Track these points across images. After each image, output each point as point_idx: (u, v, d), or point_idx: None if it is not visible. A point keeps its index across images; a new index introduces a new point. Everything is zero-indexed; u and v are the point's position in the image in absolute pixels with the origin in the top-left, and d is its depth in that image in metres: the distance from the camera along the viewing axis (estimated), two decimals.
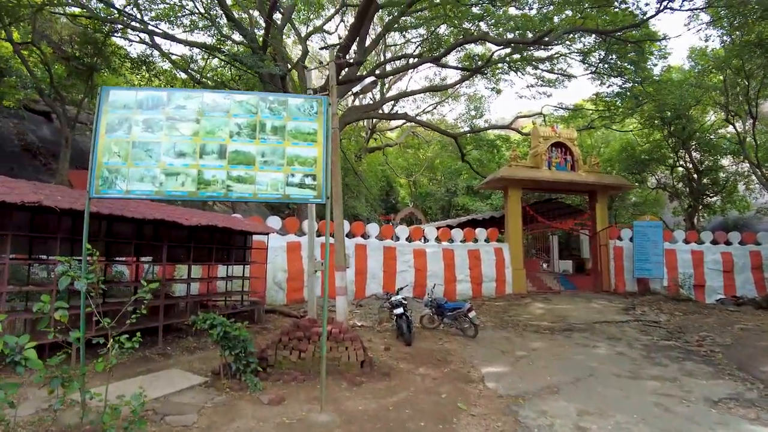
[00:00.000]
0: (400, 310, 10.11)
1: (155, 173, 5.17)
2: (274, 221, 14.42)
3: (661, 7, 16.20)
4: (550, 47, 19.37)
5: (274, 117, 5.48)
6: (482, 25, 19.78)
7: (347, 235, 15.61)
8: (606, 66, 20.28)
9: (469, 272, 17.54)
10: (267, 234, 11.37)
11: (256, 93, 6.21)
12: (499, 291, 17.98)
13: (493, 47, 21.90)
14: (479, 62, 23.72)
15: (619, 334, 11.56)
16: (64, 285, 3.73)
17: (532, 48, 20.12)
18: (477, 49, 24.35)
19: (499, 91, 28.31)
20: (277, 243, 13.83)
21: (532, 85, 25.64)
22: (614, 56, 19.61)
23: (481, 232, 18.59)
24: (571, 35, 18.49)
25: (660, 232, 19.17)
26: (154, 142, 5.24)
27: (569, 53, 22.51)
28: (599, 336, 11.26)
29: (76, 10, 17.69)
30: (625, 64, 19.62)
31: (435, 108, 35.39)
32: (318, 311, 12.35)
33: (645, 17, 16.62)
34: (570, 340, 10.83)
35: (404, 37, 26.69)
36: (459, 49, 22.21)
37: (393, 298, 10.79)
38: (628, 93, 21.45)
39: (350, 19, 26.69)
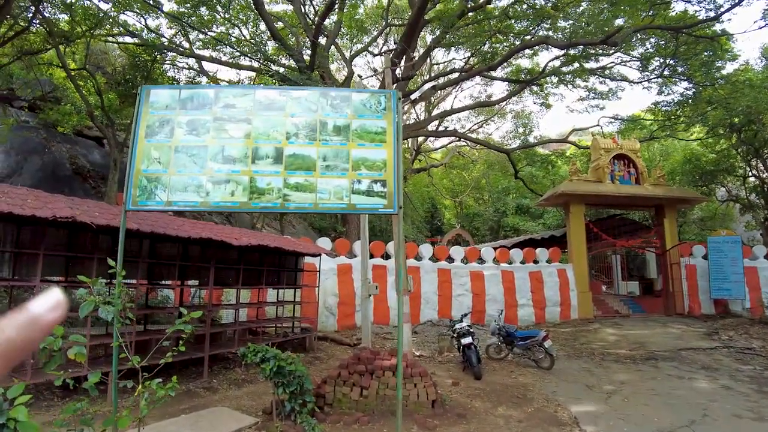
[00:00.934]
0: (468, 340, 8.98)
1: (201, 181, 4.44)
2: (324, 242, 13.66)
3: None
4: (613, 50, 18.11)
5: (336, 115, 4.67)
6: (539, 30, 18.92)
7: None
8: (671, 70, 18.74)
9: (531, 296, 16.17)
10: (319, 255, 10.56)
11: (315, 88, 5.46)
12: (563, 316, 16.54)
13: (544, 59, 20.91)
14: (527, 76, 22.76)
15: (713, 363, 10.32)
16: (85, 312, 2.97)
17: (596, 50, 18.93)
18: (525, 63, 23.43)
19: (549, 106, 27.04)
20: (328, 265, 13.04)
21: (583, 98, 24.28)
22: (677, 61, 18.09)
23: (542, 253, 17.22)
24: (638, 34, 17.13)
25: (739, 248, 17.28)
26: (199, 145, 4.53)
27: (626, 61, 21.17)
28: (690, 366, 10.07)
29: (128, 39, 18.13)
30: (693, 67, 18.04)
31: (481, 126, 34.38)
32: (373, 339, 11.38)
33: (720, 11, 15.12)
34: (658, 371, 9.69)
35: (450, 53, 26.13)
36: (506, 64, 21.35)
37: (457, 326, 9.70)
38: (694, 98, 19.80)
39: (391, 42, 26.49)
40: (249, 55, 18.70)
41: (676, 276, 17.93)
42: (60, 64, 13.91)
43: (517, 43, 19.86)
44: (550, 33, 18.60)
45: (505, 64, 21.35)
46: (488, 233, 33.23)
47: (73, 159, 15.81)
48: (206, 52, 19.42)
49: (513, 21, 17.73)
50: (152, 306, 7.88)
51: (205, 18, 18.33)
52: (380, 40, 26.08)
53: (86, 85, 15.42)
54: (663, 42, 17.70)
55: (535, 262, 17.12)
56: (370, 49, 24.32)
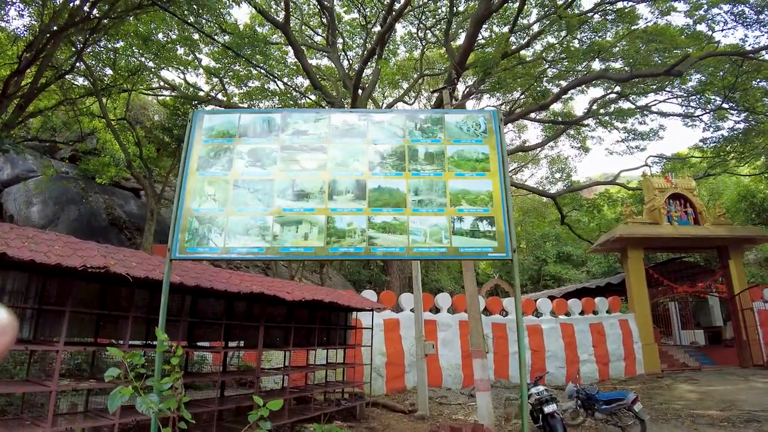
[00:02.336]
0: (551, 407, 7.64)
1: (266, 222, 3.60)
2: (370, 295, 12.54)
3: None
4: (678, 79, 17.41)
5: (427, 140, 3.86)
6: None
7: (448, 311, 13.49)
8: (727, 101, 17.76)
9: (593, 350, 14.63)
10: (371, 310, 9.48)
11: (400, 110, 4.67)
12: (628, 371, 14.92)
13: (579, 103, 20.51)
14: (560, 119, 22.16)
15: None
16: (115, 405, 2.05)
17: (647, 84, 18.28)
18: (557, 107, 22.86)
19: (587, 150, 26.18)
20: (374, 321, 11.91)
21: (623, 140, 23.40)
22: (734, 92, 17.17)
23: (601, 302, 15.76)
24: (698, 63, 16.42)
25: None
26: (264, 179, 3.74)
27: (671, 98, 20.40)
28: None
29: (166, 93, 18.35)
30: (753, 97, 17.04)
31: (515, 173, 33.59)
32: (430, 406, 10.07)
33: None
34: None
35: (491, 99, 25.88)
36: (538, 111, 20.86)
37: (533, 390, 8.37)
38: (746, 132, 18.73)
39: (423, 97, 26.50)
40: (285, 106, 18.67)
41: (750, 323, 16.20)
42: (101, 115, 13.88)
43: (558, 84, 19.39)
44: (603, 63, 18.17)
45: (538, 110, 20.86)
46: (528, 282, 31.52)
47: (109, 209, 15.54)
48: (244, 105, 19.57)
49: (564, 60, 17.32)
50: (194, 373, 6.86)
51: (242, 73, 18.53)
52: (412, 93, 26.15)
53: (125, 135, 15.40)
54: (720, 73, 16.86)
55: (595, 312, 15.65)
56: (405, 99, 24.27)
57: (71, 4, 10.17)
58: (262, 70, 17.81)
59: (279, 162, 3.77)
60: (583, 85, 18.80)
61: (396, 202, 3.63)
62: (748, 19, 14.13)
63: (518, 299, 3.66)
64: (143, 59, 14.86)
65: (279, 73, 20.11)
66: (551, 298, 16.51)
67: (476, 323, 6.88)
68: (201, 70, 19.34)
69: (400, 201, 3.64)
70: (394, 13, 16.37)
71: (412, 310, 12.66)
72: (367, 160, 3.76)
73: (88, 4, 10.07)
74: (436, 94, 13.00)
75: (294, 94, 19.38)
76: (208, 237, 3.61)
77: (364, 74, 18.26)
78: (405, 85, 24.86)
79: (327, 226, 3.58)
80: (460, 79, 18.68)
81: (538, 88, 19.02)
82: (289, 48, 18.29)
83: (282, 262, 16.19)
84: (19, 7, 10.96)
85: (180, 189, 3.71)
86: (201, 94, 18.41)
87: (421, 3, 19.29)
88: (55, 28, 9.28)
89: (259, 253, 3.58)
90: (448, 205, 3.62)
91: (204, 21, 14.50)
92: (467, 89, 20.15)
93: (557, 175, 31.62)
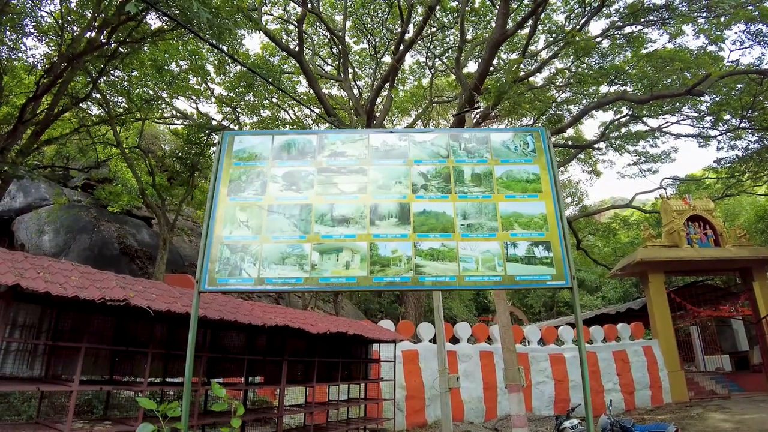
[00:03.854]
0: None
1: (304, 250, 3.34)
2: (387, 325, 12.02)
3: None
4: (690, 101, 17.31)
5: (473, 160, 3.63)
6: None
7: (468, 341, 13.01)
8: (745, 121, 17.59)
9: (617, 379, 14.04)
10: (394, 341, 9.04)
11: (443, 129, 4.46)
12: (655, 400, 14.32)
13: (588, 127, 20.52)
14: (570, 143, 22.05)
15: None
16: None
17: (680, 101, 18.20)
18: (568, 132, 22.83)
19: (598, 174, 26.01)
20: (391, 353, 11.38)
21: (635, 163, 23.22)
22: (753, 112, 17.01)
23: (623, 329, 15.23)
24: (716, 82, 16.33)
25: None
26: (301, 204, 3.50)
27: (683, 119, 20.29)
28: None
29: (178, 122, 18.43)
30: None
31: None
32: None
33: None
34: None
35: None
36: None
37: (567, 423, 7.88)
38: (760, 152, 18.50)
39: (432, 120, 26.53)
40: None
41: None
42: (114, 143, 13.86)
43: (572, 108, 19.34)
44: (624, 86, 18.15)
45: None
46: (543, 309, 30.79)
47: (121, 238, 15.37)
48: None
49: (576, 84, 17.34)
50: (212, 411, 6.42)
51: (253, 102, 18.59)
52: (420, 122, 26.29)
53: (138, 164, 15.36)
54: (733, 92, 16.76)
55: (618, 339, 15.10)
56: (416, 126, 24.43)
57: (88, 34, 10.23)
58: (273, 100, 17.94)
59: (316, 185, 3.53)
60: (598, 109, 18.72)
61: (443, 226, 3.36)
62: (766, 38, 14.07)
63: (580, 330, 3.35)
64: (157, 88, 14.94)
65: (290, 103, 20.26)
66: (571, 325, 15.96)
67: (511, 356, 6.49)
68: (213, 100, 19.51)
69: (448, 225, 3.37)
70: (405, 42, 16.49)
71: (431, 341, 12.20)
72: (410, 182, 3.51)
73: (105, 33, 10.11)
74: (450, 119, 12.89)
75: (306, 122, 19.48)
76: (240, 267, 3.34)
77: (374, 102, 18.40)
78: (413, 114, 25.01)
79: (370, 253, 3.30)
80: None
81: (551, 112, 18.96)
82: (300, 78, 18.45)
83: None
84: (37, 36, 11.04)
85: (209, 216, 3.46)
86: (213, 123, 18.45)
87: (429, 32, 19.48)
88: (72, 54, 9.28)
89: (297, 284, 3.29)
90: (500, 229, 3.34)
91: (218, 50, 14.62)
92: (477, 115, 20.11)
93: (568, 200, 31.38)
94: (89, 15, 10.45)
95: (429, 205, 3.43)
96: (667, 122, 20.85)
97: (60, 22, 10.70)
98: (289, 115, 20.95)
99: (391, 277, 3.26)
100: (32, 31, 11.07)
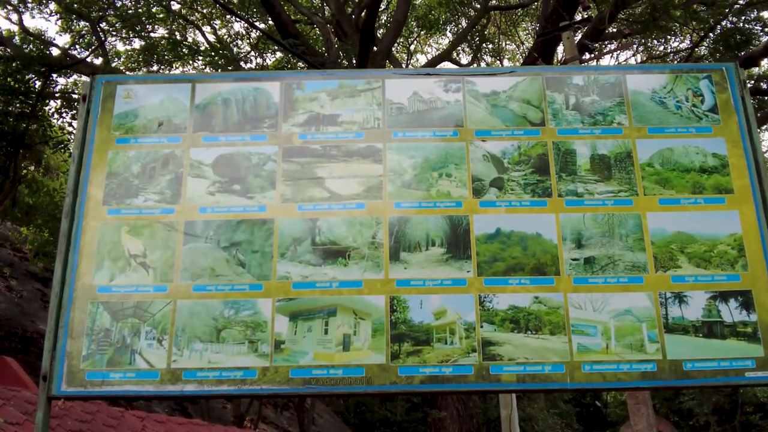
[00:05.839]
0: None
1: (259, 313, 1.66)
2: None
3: None
4: None
5: (596, 129, 1.95)
6: None
7: None
8: None
9: None
10: None
11: (530, 68, 2.75)
12: None
13: None
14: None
15: None
16: None
17: None
18: (765, 64, 19.16)
19: None
20: None
21: None
22: None
23: None
24: None
25: None
26: (251, 220, 1.79)
27: None
28: None
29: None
30: None
31: None
32: None
33: None
34: None
35: None
36: None
37: None
38: None
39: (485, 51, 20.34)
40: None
41: None
42: None
43: None
44: None
45: None
46: (711, 417, 15.27)
47: None
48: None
49: None
50: None
51: (131, 6, 10.21)
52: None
53: None
54: None
55: None
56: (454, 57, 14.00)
57: None
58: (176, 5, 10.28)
59: (281, 182, 1.83)
60: None
61: (537, 263, 1.71)
62: None
63: None
64: None
65: (207, 11, 11.88)
66: None
67: None
68: (53, 6, 10.24)
69: (546, 260, 1.72)
70: None
71: None
72: (469, 176, 1.83)
73: None
74: (533, 48, 7.58)
75: (236, 52, 11.53)
76: (132, 348, 1.67)
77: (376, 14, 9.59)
78: (449, 33, 14.24)
79: (391, 317, 1.66)
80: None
81: (728, 23, 9.43)
82: None
83: None
84: None
85: (67, 242, 1.76)
86: (55, 52, 9.93)
87: None
88: None
89: (246, 382, 1.63)
90: (652, 267, 1.70)
91: None
92: (580, 33, 8.20)
93: None
94: None
95: (508, 220, 1.75)
96: None
97: None
98: (204, 36, 11.94)
99: (434, 367, 1.61)
100: None
